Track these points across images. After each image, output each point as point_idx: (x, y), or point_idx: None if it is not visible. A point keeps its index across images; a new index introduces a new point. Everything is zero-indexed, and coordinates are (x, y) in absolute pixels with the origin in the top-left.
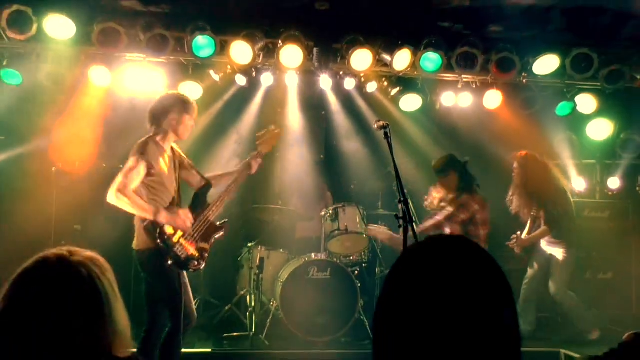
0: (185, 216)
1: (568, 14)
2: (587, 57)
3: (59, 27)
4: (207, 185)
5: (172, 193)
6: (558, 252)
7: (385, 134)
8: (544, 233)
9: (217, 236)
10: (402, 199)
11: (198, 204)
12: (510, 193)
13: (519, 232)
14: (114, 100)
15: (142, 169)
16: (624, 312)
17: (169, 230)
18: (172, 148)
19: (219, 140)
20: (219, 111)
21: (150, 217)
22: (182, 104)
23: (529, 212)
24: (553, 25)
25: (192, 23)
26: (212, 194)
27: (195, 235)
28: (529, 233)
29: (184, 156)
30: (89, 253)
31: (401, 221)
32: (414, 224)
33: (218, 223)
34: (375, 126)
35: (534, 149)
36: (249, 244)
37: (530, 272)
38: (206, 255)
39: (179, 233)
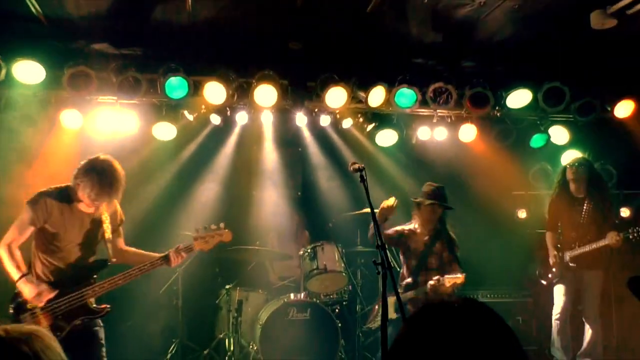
0: (40, 292)
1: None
2: (559, 90)
3: (28, 71)
4: (99, 262)
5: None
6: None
7: (361, 177)
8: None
9: (90, 318)
10: (379, 244)
11: (77, 278)
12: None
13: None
14: (86, 142)
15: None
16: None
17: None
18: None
19: (195, 180)
20: (194, 151)
21: (13, 278)
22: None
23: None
24: (524, 60)
25: (164, 64)
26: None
27: (55, 311)
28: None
29: (118, 220)
30: (28, 327)
31: (379, 267)
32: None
33: (95, 306)
34: (351, 169)
35: (509, 181)
36: (227, 286)
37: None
38: (60, 334)
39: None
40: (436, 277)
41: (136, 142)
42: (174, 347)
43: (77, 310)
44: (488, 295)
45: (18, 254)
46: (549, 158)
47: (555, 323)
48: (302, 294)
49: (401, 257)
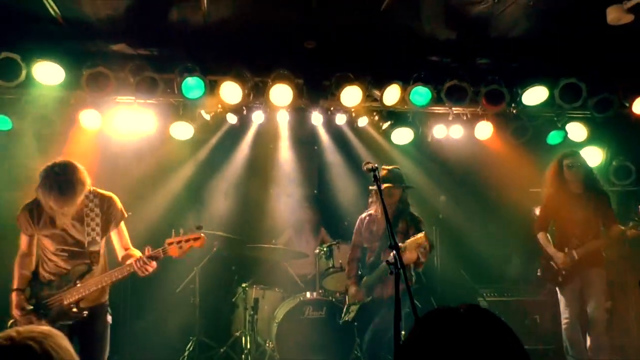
0: (17, 303)
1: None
2: (576, 86)
3: (47, 72)
4: (84, 266)
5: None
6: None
7: (375, 176)
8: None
9: (66, 323)
10: (392, 244)
11: (61, 283)
12: None
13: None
14: (105, 142)
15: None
16: (624, 341)
17: None
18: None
19: (212, 179)
20: (211, 150)
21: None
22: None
23: None
24: (540, 56)
25: (180, 65)
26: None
27: (31, 318)
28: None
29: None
30: (40, 328)
31: (392, 267)
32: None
33: (75, 309)
34: (364, 168)
35: (526, 178)
36: (244, 284)
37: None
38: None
39: None
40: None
41: (154, 142)
42: (191, 345)
43: (55, 314)
44: (505, 294)
45: (26, 264)
46: None
47: (565, 327)
48: (318, 292)
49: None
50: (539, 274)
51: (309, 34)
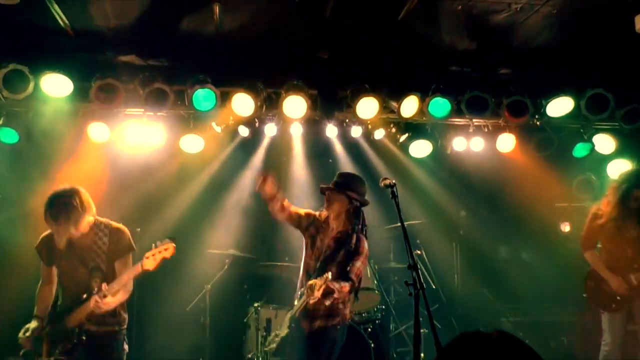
0: (30, 328)
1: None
2: (603, 97)
3: (55, 84)
4: (79, 297)
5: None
6: None
7: (392, 192)
8: None
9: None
10: (411, 263)
11: (63, 312)
12: None
13: None
14: (113, 155)
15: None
16: None
17: None
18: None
19: (223, 194)
20: (222, 163)
21: None
22: None
23: None
24: (564, 66)
25: (191, 76)
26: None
27: (39, 345)
28: None
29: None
30: None
31: (411, 288)
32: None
33: (74, 334)
34: (382, 184)
35: (551, 192)
36: (256, 304)
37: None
38: None
39: None
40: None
41: (163, 155)
42: None
43: (61, 339)
44: (530, 314)
45: (44, 293)
46: (593, 168)
47: (605, 353)
48: None
49: (303, 250)
50: (585, 294)
51: (323, 44)
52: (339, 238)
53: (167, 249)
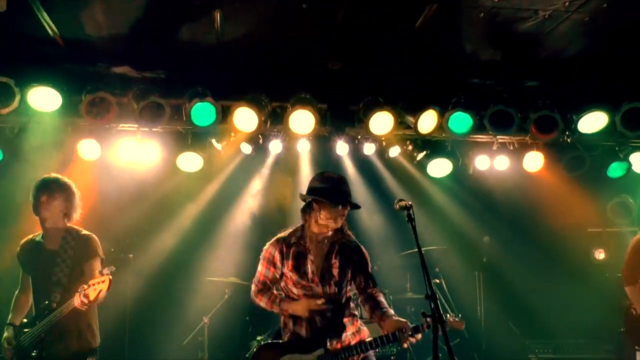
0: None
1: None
2: None
3: (43, 98)
4: (44, 307)
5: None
6: None
7: (409, 215)
8: None
9: None
10: (429, 293)
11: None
12: None
13: None
14: (105, 174)
15: None
16: None
17: None
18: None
19: (223, 217)
20: (222, 183)
21: None
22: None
23: None
24: (598, 78)
25: (190, 89)
26: None
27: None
28: None
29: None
30: None
31: (429, 319)
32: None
33: (34, 353)
34: (397, 207)
35: (584, 216)
36: (259, 337)
37: None
38: None
39: None
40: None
41: (159, 174)
42: None
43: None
44: (561, 351)
45: (21, 301)
46: (630, 189)
47: None
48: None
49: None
50: (622, 329)
51: (334, 54)
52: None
53: (103, 281)
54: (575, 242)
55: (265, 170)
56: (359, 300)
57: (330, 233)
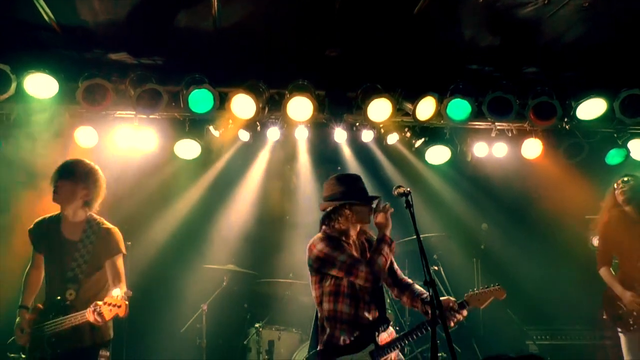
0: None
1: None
2: (639, 98)
3: (40, 84)
4: (57, 301)
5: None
6: None
7: (407, 202)
8: None
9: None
10: (428, 279)
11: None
12: None
13: None
14: (102, 162)
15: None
16: None
17: None
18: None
19: (221, 204)
20: (220, 171)
21: None
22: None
23: None
24: (597, 64)
25: (187, 75)
26: None
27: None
28: None
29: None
30: None
31: (428, 307)
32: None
33: (47, 344)
34: (395, 193)
35: (581, 203)
36: (257, 324)
37: None
38: None
39: None
40: None
41: (156, 161)
42: None
43: (34, 346)
44: (558, 337)
45: (32, 278)
46: None
47: None
48: None
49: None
50: (604, 316)
51: (332, 40)
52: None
53: (119, 306)
54: (573, 229)
55: (264, 158)
56: (394, 294)
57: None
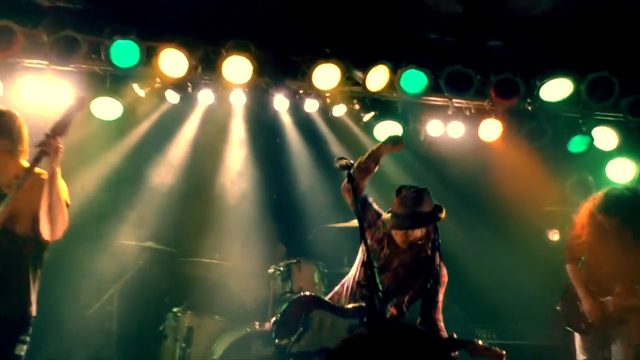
0: None
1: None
2: (607, 81)
3: None
4: None
5: None
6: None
7: (349, 176)
8: None
9: None
10: (366, 261)
11: None
12: None
13: None
14: None
15: None
16: None
17: None
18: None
19: (143, 171)
20: (144, 134)
21: None
22: None
23: None
24: (565, 42)
25: (111, 24)
26: None
27: None
28: None
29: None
30: None
31: (364, 290)
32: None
33: None
34: (337, 165)
35: (540, 193)
36: (175, 309)
37: None
38: None
39: None
40: None
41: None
42: None
43: None
44: (507, 336)
45: None
46: (591, 167)
47: None
48: (270, 323)
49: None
50: (558, 307)
51: None
52: (418, 256)
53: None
54: (530, 220)
55: (193, 123)
56: None
57: None
